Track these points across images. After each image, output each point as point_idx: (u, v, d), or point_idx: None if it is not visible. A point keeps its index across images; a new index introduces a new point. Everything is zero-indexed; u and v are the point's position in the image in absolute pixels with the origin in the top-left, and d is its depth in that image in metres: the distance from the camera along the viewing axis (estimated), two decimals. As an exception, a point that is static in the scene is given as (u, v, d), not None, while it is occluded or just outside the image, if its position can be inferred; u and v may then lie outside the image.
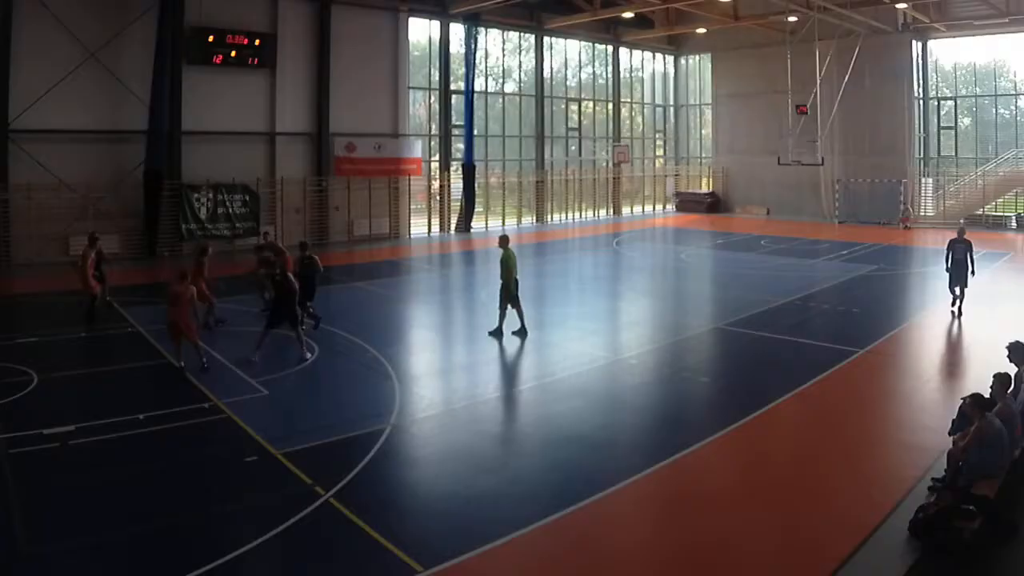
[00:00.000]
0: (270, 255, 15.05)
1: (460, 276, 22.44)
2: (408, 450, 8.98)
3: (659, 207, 40.75)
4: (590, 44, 37.37)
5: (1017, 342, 8.61)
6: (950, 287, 15.38)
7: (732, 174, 39.41)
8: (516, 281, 13.71)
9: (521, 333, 13.72)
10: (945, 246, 15.79)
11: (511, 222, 33.56)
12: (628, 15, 32.93)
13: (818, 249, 25.85)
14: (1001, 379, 7.54)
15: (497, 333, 13.70)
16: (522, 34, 33.97)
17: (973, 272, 15.33)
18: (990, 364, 9.06)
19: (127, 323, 14.52)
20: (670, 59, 41.79)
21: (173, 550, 6.46)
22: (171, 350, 11.58)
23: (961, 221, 31.08)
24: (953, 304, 15.36)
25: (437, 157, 31.35)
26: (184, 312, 11.38)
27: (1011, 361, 8.47)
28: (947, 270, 15.47)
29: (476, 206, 31.76)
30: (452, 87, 30.89)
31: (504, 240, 14.07)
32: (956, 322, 14.79)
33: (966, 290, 15.27)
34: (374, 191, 28.18)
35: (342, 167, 27.05)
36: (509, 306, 13.73)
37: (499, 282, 13.83)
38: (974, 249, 15.50)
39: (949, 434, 7.96)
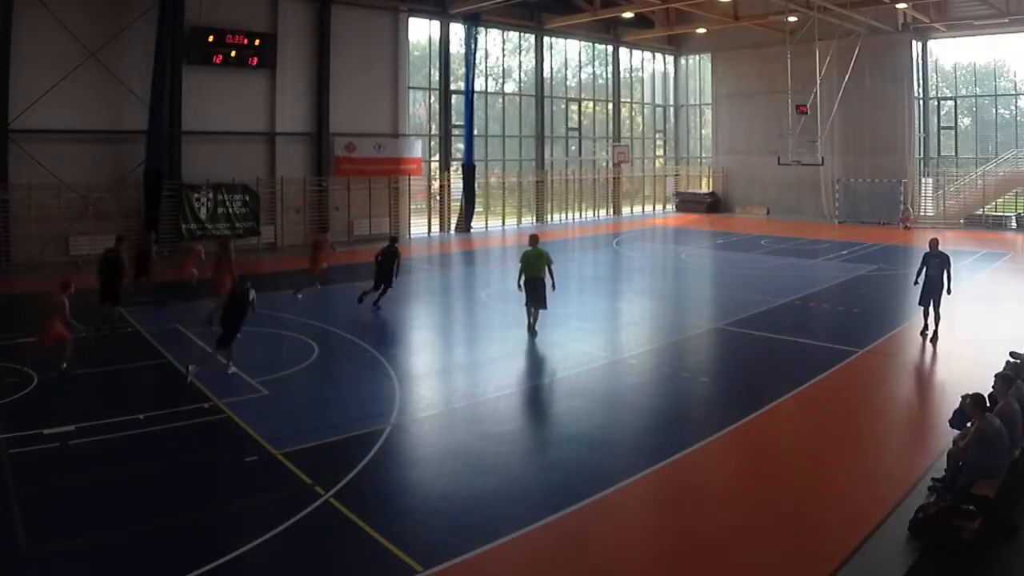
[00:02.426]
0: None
1: (460, 276, 22.43)
2: (408, 450, 8.98)
3: (659, 207, 40.76)
4: (590, 44, 37.36)
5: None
6: (922, 305, 13.52)
7: (732, 174, 39.41)
8: (530, 279, 13.78)
9: (530, 329, 13.89)
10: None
11: (511, 222, 33.56)
12: (628, 15, 32.92)
13: (818, 249, 25.85)
14: (1004, 378, 7.55)
15: (532, 331, 13.86)
16: (522, 34, 33.97)
17: (949, 291, 13.30)
18: (990, 364, 9.07)
19: (127, 323, 14.51)
20: (670, 59, 41.78)
21: (173, 550, 6.46)
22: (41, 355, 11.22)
23: (961, 221, 31.28)
24: (925, 328, 13.55)
25: (437, 157, 31.35)
26: (60, 320, 11.25)
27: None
28: (915, 283, 13.69)
29: (476, 206, 31.76)
30: (452, 87, 30.89)
31: (533, 239, 14.33)
32: (953, 323, 14.25)
33: (940, 311, 13.37)
34: (374, 191, 28.18)
35: (342, 167, 27.05)
36: (532, 304, 13.87)
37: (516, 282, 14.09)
38: (951, 264, 13.49)
39: (950, 424, 7.99)
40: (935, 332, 13.50)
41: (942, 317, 13.50)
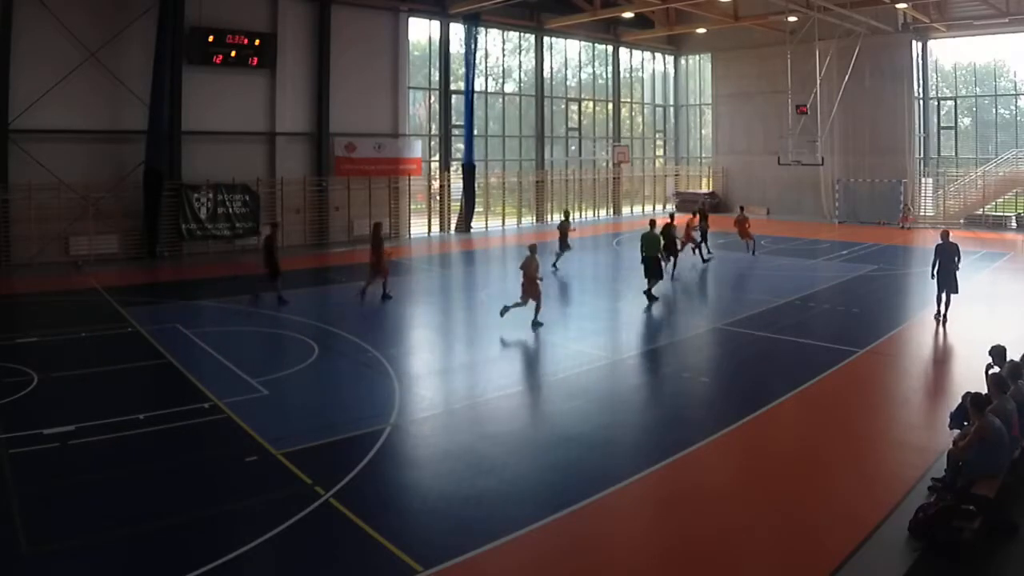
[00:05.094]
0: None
1: (460, 276, 22.42)
2: (408, 450, 8.98)
3: (659, 207, 40.74)
4: (590, 44, 37.36)
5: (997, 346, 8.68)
6: (938, 294, 14.60)
7: (732, 174, 39.40)
8: (647, 257, 16.89)
9: (648, 296, 16.71)
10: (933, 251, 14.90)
11: (511, 222, 33.56)
12: (628, 15, 32.93)
13: (818, 249, 25.84)
14: (995, 380, 7.55)
15: (649, 296, 16.70)
16: (522, 34, 33.97)
17: (958, 268, 14.54)
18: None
19: (127, 323, 14.52)
20: (670, 59, 41.79)
21: (173, 550, 6.46)
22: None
23: (961, 221, 31.26)
24: (938, 314, 14.63)
25: (437, 157, 31.35)
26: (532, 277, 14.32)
27: (995, 363, 8.50)
28: (932, 276, 14.61)
29: (476, 206, 31.77)
30: (452, 87, 30.90)
31: (652, 223, 17.60)
32: (953, 323, 14.48)
33: (951, 296, 14.49)
34: (374, 191, 28.19)
35: (342, 167, 27.05)
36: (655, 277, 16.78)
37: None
38: (960, 252, 14.72)
39: (950, 427, 7.99)
40: (945, 314, 14.57)
41: (952, 303, 14.60)
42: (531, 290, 14.37)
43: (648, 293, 16.76)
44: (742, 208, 25.58)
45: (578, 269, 22.98)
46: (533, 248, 14.76)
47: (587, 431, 9.34)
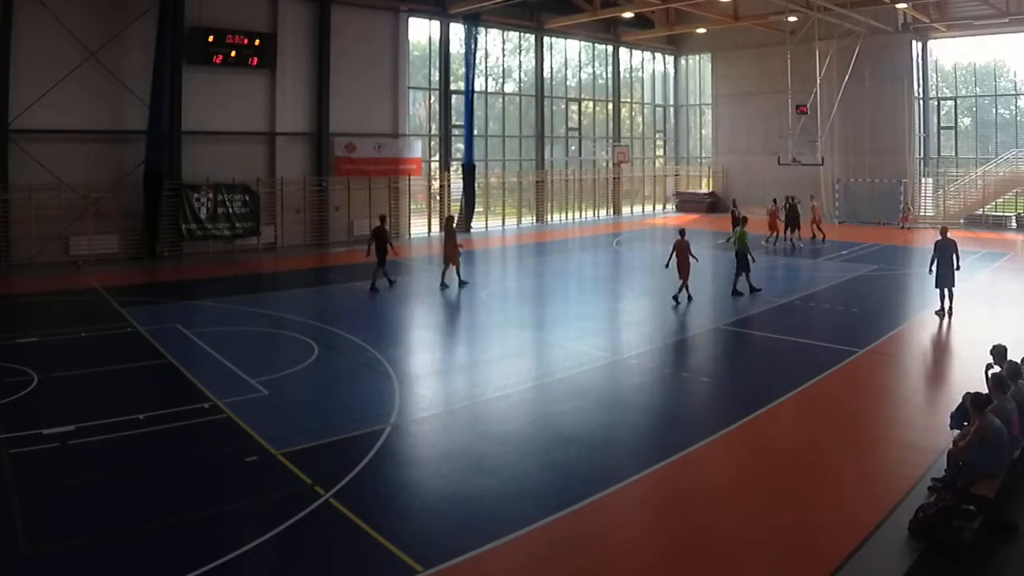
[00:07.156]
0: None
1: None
2: (408, 450, 8.98)
3: (659, 207, 40.75)
4: (590, 44, 37.36)
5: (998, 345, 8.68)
6: (938, 288, 15.16)
7: (732, 174, 39.37)
8: (740, 254, 17.49)
9: (751, 291, 17.44)
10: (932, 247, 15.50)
11: (511, 222, 33.56)
12: (628, 15, 32.94)
13: (818, 249, 25.85)
14: (995, 380, 7.55)
15: (735, 294, 17.43)
16: (522, 34, 33.97)
17: (958, 267, 15.06)
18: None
19: (127, 323, 14.52)
20: (670, 59, 41.78)
21: (173, 550, 6.46)
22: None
23: (961, 221, 31.26)
24: (941, 309, 15.10)
25: (437, 157, 31.35)
26: (685, 256, 16.50)
27: (996, 363, 8.50)
28: (929, 271, 15.23)
29: (476, 206, 31.77)
30: (452, 87, 30.90)
31: (744, 220, 18.80)
32: (953, 322, 14.64)
33: (953, 290, 15.06)
34: (374, 191, 28.18)
35: (342, 167, 27.04)
36: (743, 272, 17.44)
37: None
38: (958, 248, 15.22)
39: (951, 427, 7.99)
40: (951, 308, 15.07)
41: (955, 296, 15.16)
42: (684, 269, 16.53)
43: (750, 286, 17.56)
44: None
45: (578, 269, 23.00)
46: (683, 231, 17.00)
47: (587, 431, 9.34)
